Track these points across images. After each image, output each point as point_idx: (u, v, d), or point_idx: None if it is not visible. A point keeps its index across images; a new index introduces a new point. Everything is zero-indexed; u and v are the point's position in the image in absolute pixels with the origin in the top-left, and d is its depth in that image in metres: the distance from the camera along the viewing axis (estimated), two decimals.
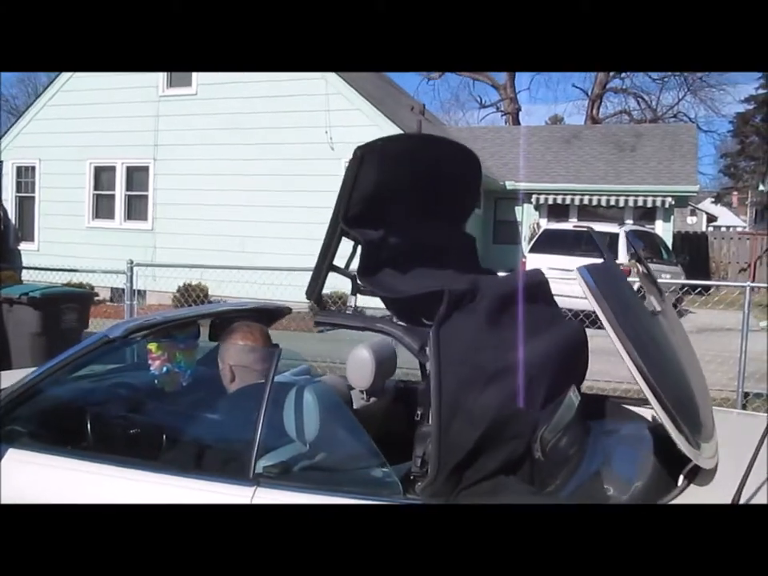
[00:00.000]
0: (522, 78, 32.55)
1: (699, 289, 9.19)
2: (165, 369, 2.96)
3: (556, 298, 2.93)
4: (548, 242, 13.01)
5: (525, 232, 19.60)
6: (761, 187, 14.64)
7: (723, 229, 34.43)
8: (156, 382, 2.92)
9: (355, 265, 2.47)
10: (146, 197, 14.40)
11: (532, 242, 13.85)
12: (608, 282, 1.97)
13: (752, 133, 35.17)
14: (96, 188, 14.84)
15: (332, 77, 12.71)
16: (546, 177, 19.33)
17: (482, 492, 1.94)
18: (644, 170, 19.02)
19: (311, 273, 2.48)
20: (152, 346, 2.89)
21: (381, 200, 2.35)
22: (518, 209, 19.71)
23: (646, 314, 2.36)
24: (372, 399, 2.78)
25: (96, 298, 10.30)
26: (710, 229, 31.35)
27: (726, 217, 44.04)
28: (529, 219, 19.58)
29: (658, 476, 2.11)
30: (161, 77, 14.00)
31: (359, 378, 2.61)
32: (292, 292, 10.12)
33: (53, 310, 6.42)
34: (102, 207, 14.84)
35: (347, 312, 2.52)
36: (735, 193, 42.86)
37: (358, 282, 2.39)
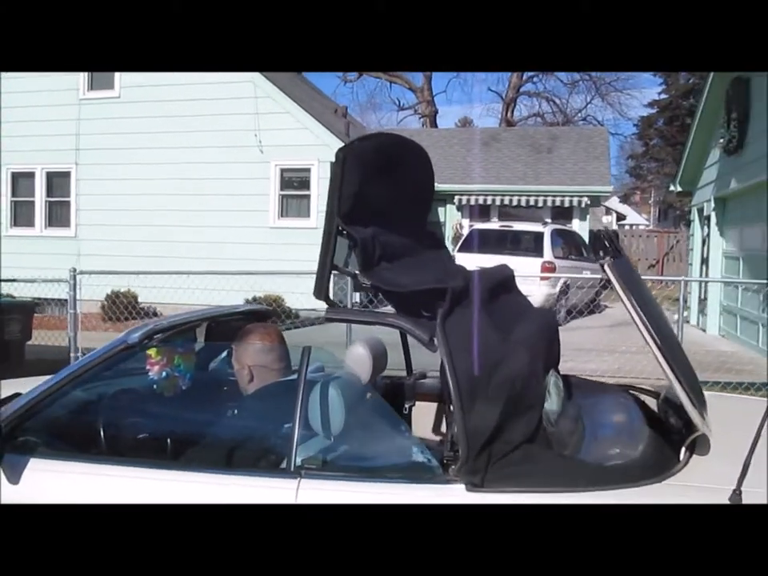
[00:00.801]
0: (439, 81, 33.06)
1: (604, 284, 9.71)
2: (164, 373, 2.97)
3: None
4: (476, 242, 13.34)
5: (448, 232, 20.00)
6: (671, 188, 15.38)
7: (627, 227, 35.94)
8: (155, 387, 2.94)
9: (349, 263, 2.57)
10: (68, 203, 13.99)
11: (460, 242, 14.15)
12: (628, 274, 2.15)
13: (655, 135, 36.87)
14: (14, 195, 14.30)
15: (261, 80, 12.68)
16: (467, 178, 19.75)
17: (514, 462, 2.08)
18: (560, 171, 19.71)
19: (315, 274, 2.54)
20: (151, 351, 2.90)
21: (368, 197, 2.44)
22: (440, 210, 20.08)
23: (654, 302, 2.56)
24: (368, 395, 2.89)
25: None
26: (625, 227, 32.66)
27: (630, 215, 45.96)
28: (451, 220, 19.98)
29: (657, 437, 2.32)
30: (81, 79, 13.63)
31: (358, 374, 2.71)
32: (225, 296, 10.16)
33: None
34: (21, 215, 14.31)
35: (355, 309, 2.61)
36: (638, 192, 44.80)
37: (360, 279, 2.47)
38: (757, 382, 6.66)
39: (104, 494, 2.30)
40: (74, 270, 6.97)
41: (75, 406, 2.69)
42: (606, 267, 2.03)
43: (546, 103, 35.02)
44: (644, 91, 46.07)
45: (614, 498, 2.00)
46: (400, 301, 2.49)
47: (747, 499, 1.89)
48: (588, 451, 2.33)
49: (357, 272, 2.49)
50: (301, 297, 9.25)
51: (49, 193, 14.17)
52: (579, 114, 35.36)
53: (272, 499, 2.14)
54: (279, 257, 12.25)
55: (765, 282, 8.21)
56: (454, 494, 2.04)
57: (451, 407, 2.18)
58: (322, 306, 2.50)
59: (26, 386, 2.88)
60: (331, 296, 2.48)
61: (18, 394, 3.06)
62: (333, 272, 2.42)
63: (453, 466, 2.10)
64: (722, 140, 10.59)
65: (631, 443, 2.32)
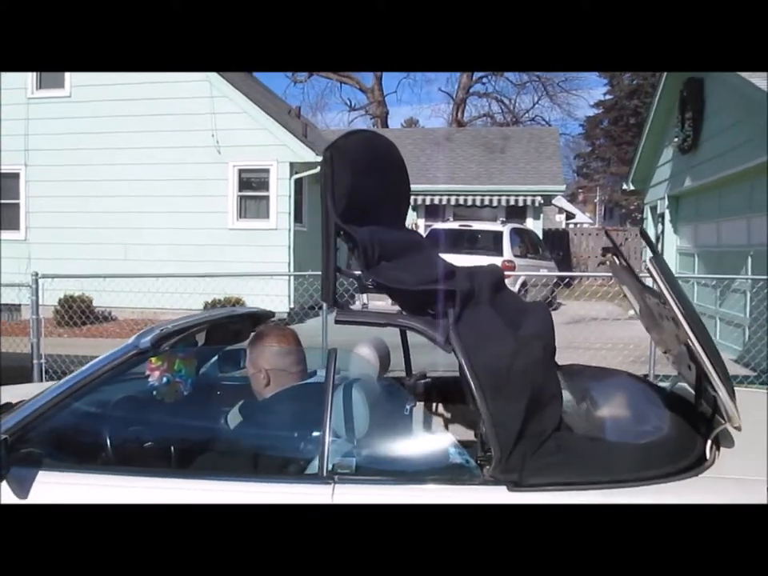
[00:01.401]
0: (389, 82, 33.14)
1: (568, 281, 9.89)
2: (165, 379, 2.89)
3: None
4: (435, 241, 13.39)
5: None
6: (624, 186, 15.71)
7: (571, 225, 36.60)
8: (155, 393, 2.85)
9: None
10: (17, 205, 13.54)
11: None
12: (667, 271, 2.16)
13: (601, 135, 37.65)
14: None
15: (217, 79, 12.49)
16: (423, 178, 19.83)
17: (549, 452, 2.08)
18: (513, 170, 19.97)
19: (320, 278, 2.49)
20: (151, 357, 2.82)
21: (359, 195, 2.42)
22: None
23: (689, 298, 2.57)
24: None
25: None
26: (570, 225, 33.21)
27: (576, 214, 46.80)
28: (408, 219, 20.04)
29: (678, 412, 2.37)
30: (29, 78, 13.22)
31: (366, 373, 2.68)
32: (179, 299, 9.98)
33: None
34: None
35: (365, 310, 2.56)
36: (581, 191, 45.67)
37: (363, 279, 2.44)
38: None
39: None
40: (36, 273, 6.73)
41: (83, 415, 2.58)
42: (649, 265, 2.04)
43: (495, 103, 35.46)
44: (590, 92, 46.95)
45: (654, 492, 2.00)
46: (405, 299, 2.46)
47: None
48: (613, 432, 2.33)
49: (359, 272, 2.45)
50: (266, 299, 9.15)
51: None
52: (527, 114, 35.89)
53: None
54: (239, 258, 12.09)
55: (719, 277, 8.45)
56: (496, 495, 2.02)
57: (470, 406, 2.16)
58: (284, 308, 2.46)
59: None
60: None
61: (9, 404, 2.94)
62: (337, 274, 2.38)
63: (487, 467, 2.08)
64: (676, 139, 10.83)
65: (656, 418, 2.34)
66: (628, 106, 34.25)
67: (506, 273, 10.72)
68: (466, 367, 2.13)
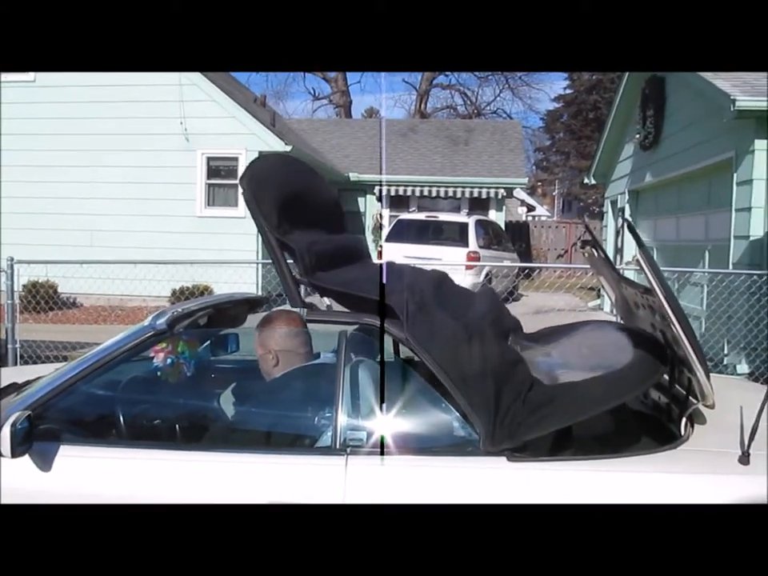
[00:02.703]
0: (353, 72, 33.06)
1: (528, 272, 10.17)
2: (169, 360, 3.01)
3: None
4: (402, 232, 13.57)
5: (368, 222, 20.19)
6: (585, 180, 16.05)
7: (529, 218, 37.11)
8: (159, 374, 2.97)
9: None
10: None
11: (387, 232, 14.35)
12: (653, 262, 2.36)
13: (561, 129, 38.16)
14: None
15: None
16: (388, 169, 19.96)
17: (531, 409, 2.26)
18: (477, 162, 20.21)
19: (283, 289, 2.64)
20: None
21: (288, 208, 2.61)
22: (360, 200, 20.24)
23: (671, 288, 2.77)
24: None
25: None
26: (530, 218, 33.65)
27: (536, 207, 47.39)
28: (371, 210, 20.18)
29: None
30: None
31: None
32: (146, 286, 9.98)
33: None
34: None
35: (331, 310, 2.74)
36: (540, 184, 46.23)
37: (304, 284, 2.60)
38: None
39: (146, 479, 2.34)
40: (12, 258, 6.72)
41: (95, 392, 2.70)
42: (639, 256, 2.23)
43: (458, 96, 35.70)
44: (551, 85, 47.44)
45: (638, 463, 2.20)
46: (352, 304, 2.61)
47: (754, 462, 2.14)
48: (582, 372, 2.51)
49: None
50: (234, 286, 9.21)
51: None
52: (489, 107, 36.22)
53: (321, 477, 2.24)
54: (207, 246, 12.11)
55: (678, 270, 8.77)
56: (497, 464, 2.21)
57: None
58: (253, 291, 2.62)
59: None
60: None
61: (14, 384, 3.03)
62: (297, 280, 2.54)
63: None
64: (637, 136, 11.14)
65: (620, 351, 2.54)
66: (588, 100, 34.77)
67: (471, 263, 10.83)
68: (429, 363, 2.33)
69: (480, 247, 13.37)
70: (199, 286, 11.69)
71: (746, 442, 2.14)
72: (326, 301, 2.74)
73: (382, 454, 2.27)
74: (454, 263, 12.25)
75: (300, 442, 2.54)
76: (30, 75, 12.93)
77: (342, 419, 2.34)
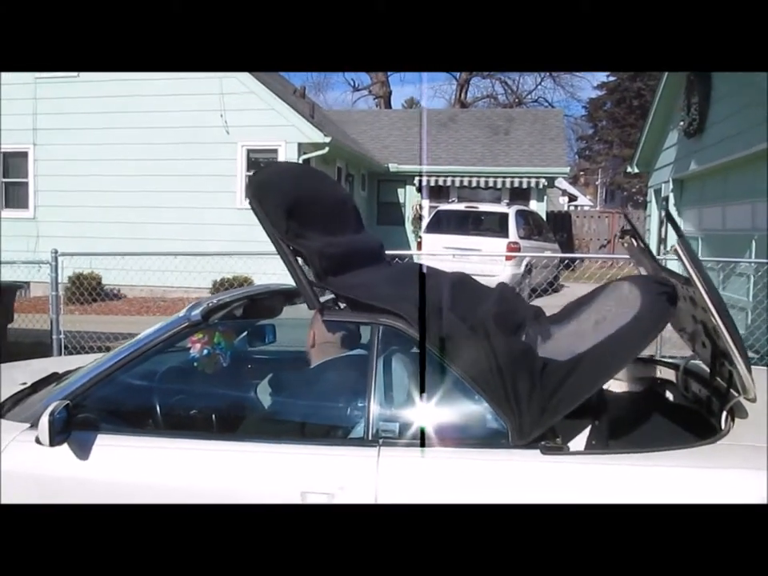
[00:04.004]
0: None
1: (568, 263, 10.04)
2: (206, 351, 3.04)
3: None
4: (441, 223, 13.51)
5: (408, 213, 20.17)
6: (628, 169, 15.78)
7: (572, 208, 36.67)
8: (195, 364, 3.00)
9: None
10: (25, 184, 13.64)
11: (426, 223, 14.30)
12: (692, 252, 2.31)
13: (604, 117, 37.58)
14: None
15: None
16: (427, 159, 19.88)
17: (550, 392, 2.25)
18: (517, 152, 20.01)
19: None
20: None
21: (297, 213, 2.59)
22: (400, 191, 20.22)
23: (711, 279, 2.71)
24: None
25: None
26: (572, 208, 33.28)
27: (578, 197, 46.83)
28: (411, 200, 20.14)
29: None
30: None
31: None
32: (187, 277, 10.11)
33: None
34: None
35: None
36: (582, 173, 45.64)
37: (317, 286, 2.57)
38: None
39: (181, 468, 2.37)
40: (56, 251, 6.85)
41: (131, 383, 2.74)
42: (677, 246, 2.18)
43: (498, 84, 35.38)
44: (594, 73, 46.70)
45: (675, 458, 2.15)
46: (358, 306, 2.57)
47: None
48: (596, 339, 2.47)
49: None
50: (273, 277, 9.27)
51: (5, 173, 13.79)
52: (530, 96, 35.84)
53: (353, 468, 2.24)
54: (247, 237, 12.17)
55: (723, 260, 8.56)
56: (530, 457, 2.18)
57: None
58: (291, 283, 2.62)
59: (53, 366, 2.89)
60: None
61: (56, 374, 3.09)
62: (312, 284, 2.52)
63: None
64: (682, 123, 10.91)
65: (627, 307, 2.51)
66: (631, 87, 34.17)
67: (511, 254, 10.73)
68: (447, 365, 2.33)
69: (520, 238, 13.23)
70: (239, 278, 11.80)
71: None
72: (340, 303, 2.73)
73: (418, 445, 2.26)
74: (494, 254, 12.17)
75: (333, 432, 2.55)
76: (73, 71, 13.16)
77: (375, 410, 2.34)
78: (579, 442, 2.38)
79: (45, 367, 3.35)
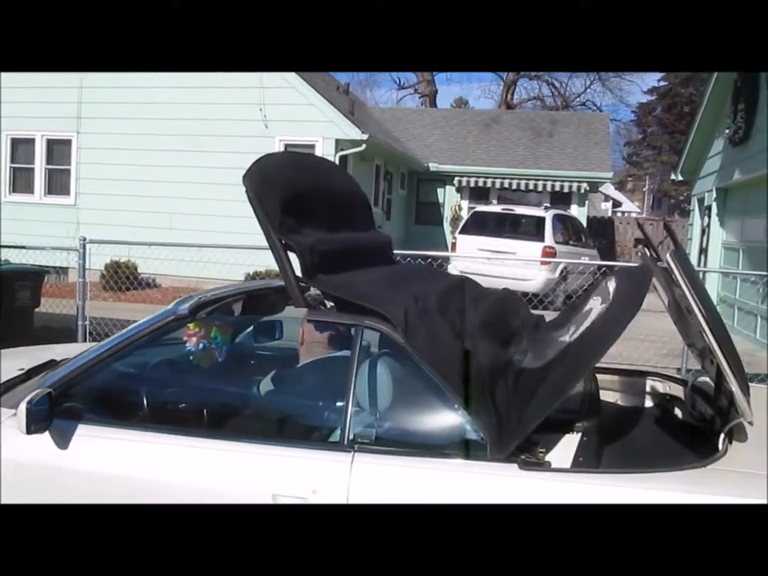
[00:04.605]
0: None
1: (605, 271, 9.84)
2: (201, 345, 3.02)
3: (485, 277, 3.22)
4: (477, 224, 13.38)
5: (446, 213, 20.04)
6: (672, 176, 15.45)
7: (618, 214, 36.06)
8: (191, 358, 2.98)
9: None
10: (68, 171, 13.88)
11: (462, 224, 14.19)
12: (687, 265, 2.21)
13: (653, 123, 36.89)
14: (13, 161, 14.16)
15: None
16: (468, 160, 19.76)
17: (524, 400, 2.19)
18: (560, 155, 19.74)
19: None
20: (189, 324, 2.94)
21: (294, 206, 2.52)
22: (439, 190, 20.11)
23: (707, 293, 2.61)
24: None
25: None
26: (617, 214, 32.76)
27: (623, 203, 46.10)
28: (450, 201, 20.01)
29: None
30: None
31: None
32: (221, 269, 10.16)
33: (7, 288, 6.23)
34: (20, 181, 14.19)
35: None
36: (630, 179, 44.88)
37: (305, 283, 2.52)
38: (751, 373, 6.74)
39: (154, 461, 2.35)
40: (84, 238, 6.94)
41: (122, 374, 2.73)
42: (668, 258, 2.09)
43: (545, 86, 34.99)
44: (644, 77, 45.92)
45: (664, 480, 2.06)
46: (345, 307, 2.51)
47: None
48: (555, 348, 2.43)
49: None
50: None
51: (49, 160, 14.04)
52: (578, 99, 35.35)
53: (326, 472, 2.19)
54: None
55: (764, 273, 8.29)
56: (508, 472, 2.10)
57: None
58: None
59: (47, 353, 2.89)
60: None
61: (53, 361, 3.10)
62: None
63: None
64: (727, 130, 10.63)
65: (602, 302, 2.46)
66: (683, 93, 33.47)
67: (546, 259, 10.60)
68: (428, 372, 2.26)
69: (557, 242, 13.03)
70: (271, 272, 11.85)
71: None
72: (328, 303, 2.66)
73: (393, 453, 2.19)
74: (529, 258, 12.00)
75: (309, 434, 2.49)
76: None
77: (352, 415, 2.28)
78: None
79: (60, 352, 3.37)
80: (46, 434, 2.37)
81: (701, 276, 12.41)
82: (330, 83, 16.72)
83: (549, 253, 12.47)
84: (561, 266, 12.47)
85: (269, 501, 2.17)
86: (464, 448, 2.26)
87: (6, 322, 6.16)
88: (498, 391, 2.19)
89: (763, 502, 1.93)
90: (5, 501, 2.33)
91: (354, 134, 12.62)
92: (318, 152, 12.75)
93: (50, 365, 3.05)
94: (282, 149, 12.97)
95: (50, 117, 13.59)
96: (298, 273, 2.49)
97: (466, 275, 3.21)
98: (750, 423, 2.23)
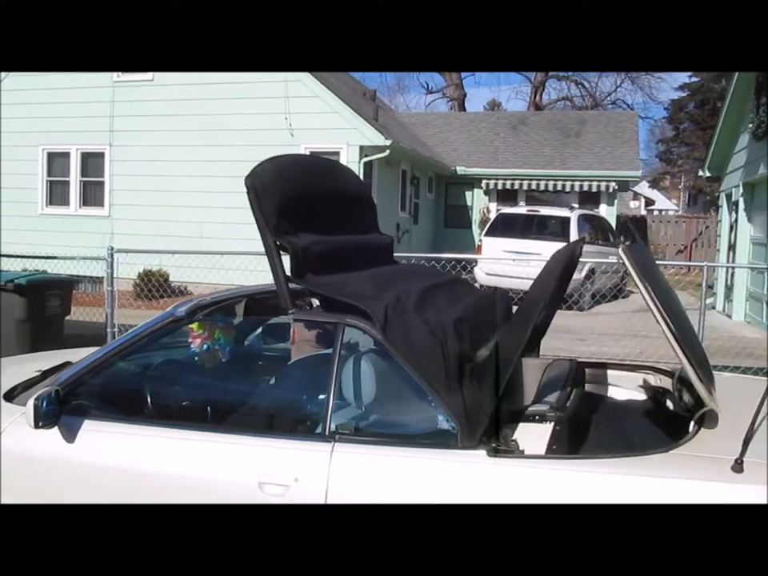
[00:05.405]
0: None
1: None
2: (205, 346, 3.18)
3: (511, 278, 3.34)
4: (502, 226, 13.43)
5: (475, 216, 20.09)
6: (700, 173, 15.30)
7: (656, 212, 35.65)
8: (196, 358, 3.14)
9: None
10: (102, 183, 14.27)
11: (487, 226, 14.24)
12: (644, 259, 2.30)
13: (686, 119, 36.41)
14: (49, 174, 14.62)
15: None
16: (495, 162, 19.79)
17: (478, 387, 2.32)
18: (588, 155, 19.67)
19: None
20: (194, 326, 3.11)
21: (292, 210, 2.65)
22: (467, 193, 20.17)
23: (667, 286, 2.70)
24: None
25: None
26: (654, 212, 32.42)
27: (659, 200, 45.51)
28: (478, 203, 20.06)
29: None
30: None
31: None
32: (248, 276, 10.35)
33: (38, 297, 6.49)
34: (56, 194, 14.63)
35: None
36: (668, 177, 44.28)
37: (295, 282, 2.64)
38: None
39: (152, 452, 2.51)
40: (112, 248, 7.20)
41: (125, 373, 2.90)
42: (621, 252, 2.18)
43: (574, 87, 34.79)
44: (674, 74, 45.24)
45: (631, 465, 2.15)
46: (331, 304, 2.64)
47: (748, 469, 2.04)
48: None
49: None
50: None
51: (83, 173, 14.45)
52: (609, 98, 35.09)
53: (308, 461, 2.33)
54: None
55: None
56: (476, 459, 2.22)
57: None
58: None
59: (67, 356, 3.05)
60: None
61: (68, 363, 3.29)
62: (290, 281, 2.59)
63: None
64: (751, 125, 10.54)
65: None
66: (715, 88, 32.98)
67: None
68: (405, 366, 2.38)
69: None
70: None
71: (741, 449, 2.04)
72: (315, 301, 2.79)
73: (371, 443, 2.33)
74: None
75: (294, 426, 2.64)
76: (149, 74, 13.68)
77: (333, 408, 2.42)
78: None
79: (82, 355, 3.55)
80: (55, 429, 2.55)
81: (726, 272, 12.35)
82: (356, 90, 16.90)
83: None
84: (587, 266, 12.44)
85: (255, 488, 2.32)
86: (437, 437, 2.39)
87: (37, 330, 6.42)
88: (465, 383, 2.32)
89: (716, 484, 2.02)
90: (17, 490, 2.51)
91: (378, 139, 12.78)
92: (343, 158, 12.93)
93: (65, 366, 3.24)
94: None
95: (84, 131, 13.99)
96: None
97: (463, 276, 3.32)
98: (715, 411, 2.30)
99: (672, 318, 2.19)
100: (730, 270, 12.27)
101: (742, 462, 2.04)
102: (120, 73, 13.91)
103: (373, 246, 3.32)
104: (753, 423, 2.04)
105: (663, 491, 2.06)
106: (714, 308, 13.26)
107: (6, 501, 2.53)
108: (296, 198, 2.70)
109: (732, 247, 12.74)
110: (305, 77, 12.92)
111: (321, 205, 2.92)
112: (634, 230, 3.70)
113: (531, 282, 3.14)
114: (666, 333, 2.16)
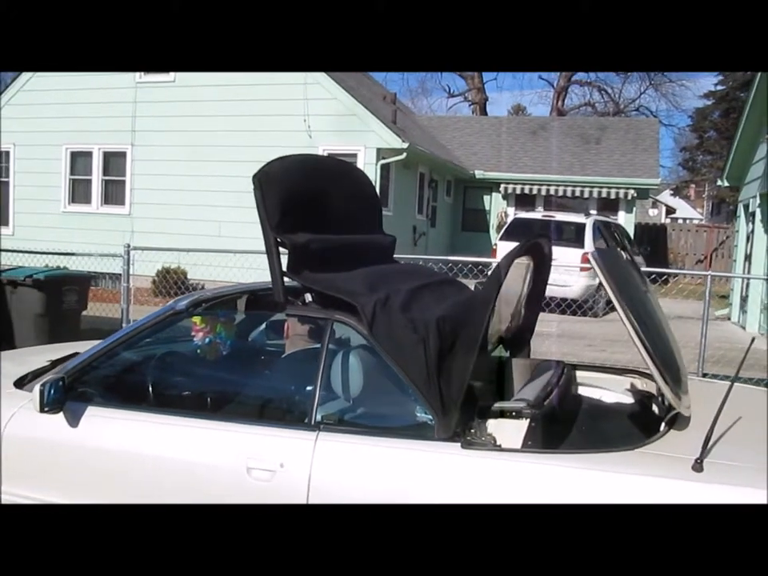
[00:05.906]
0: None
1: (655, 278, 9.79)
2: (207, 340, 3.31)
3: None
4: (518, 230, 13.48)
5: (492, 220, 20.15)
6: (719, 182, 15.26)
7: (680, 221, 35.41)
8: (198, 351, 3.27)
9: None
10: (123, 182, 14.52)
11: (502, 231, 14.31)
12: (613, 263, 2.39)
13: (710, 128, 36.17)
14: (72, 173, 14.90)
15: None
16: (514, 167, 19.84)
17: (447, 382, 2.42)
18: (608, 162, 19.66)
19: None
20: (196, 319, 3.24)
21: (294, 209, 2.74)
22: (486, 197, 20.23)
23: (640, 290, 2.79)
24: None
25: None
26: (669, 221, 32.23)
27: (683, 209, 45.23)
28: (497, 208, 20.12)
29: None
30: None
31: None
32: (264, 275, 10.50)
33: (55, 292, 6.67)
34: (79, 192, 14.91)
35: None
36: (692, 186, 43.97)
37: (290, 278, 2.74)
38: None
39: (149, 437, 2.65)
40: (128, 245, 7.39)
41: (126, 363, 3.05)
42: (590, 257, 2.27)
43: (597, 93, 34.72)
44: (699, 82, 44.92)
45: (597, 462, 2.25)
46: (325, 301, 2.74)
47: (708, 470, 2.12)
48: None
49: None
50: None
51: (105, 172, 14.72)
52: (632, 105, 34.97)
53: (293, 448, 2.46)
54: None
55: None
56: (450, 450, 2.33)
57: None
58: None
59: (77, 348, 3.20)
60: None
61: (76, 353, 3.44)
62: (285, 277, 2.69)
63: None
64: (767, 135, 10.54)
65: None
66: (740, 97, 32.71)
67: (586, 266, 10.60)
68: (387, 361, 2.50)
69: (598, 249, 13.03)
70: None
71: (701, 449, 2.13)
72: (308, 297, 2.90)
73: (353, 432, 2.45)
74: (568, 264, 12.05)
75: (283, 415, 2.78)
76: (170, 75, 13.91)
77: (319, 399, 2.55)
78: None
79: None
80: (61, 414, 2.70)
81: (741, 283, 12.29)
82: (376, 93, 17.05)
83: (588, 259, 12.46)
84: None
85: (244, 472, 2.45)
86: (416, 429, 2.51)
87: (54, 324, 6.60)
88: (443, 379, 2.42)
89: (676, 482, 2.11)
90: (24, 471, 2.66)
91: (395, 142, 12.91)
92: (360, 161, 13.08)
93: (72, 356, 3.40)
94: None
95: (107, 131, 14.25)
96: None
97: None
98: (685, 413, 2.39)
99: (639, 320, 2.27)
100: (746, 282, 12.23)
101: (702, 461, 2.12)
102: (143, 73, 14.19)
103: (373, 245, 3.41)
104: (712, 425, 2.13)
105: (624, 487, 2.16)
106: (728, 319, 13.22)
107: (14, 482, 2.69)
108: (300, 196, 2.80)
109: (748, 258, 12.69)
110: (323, 79, 13.09)
111: (324, 203, 3.02)
112: (606, 236, 3.76)
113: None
114: (631, 335, 2.25)
